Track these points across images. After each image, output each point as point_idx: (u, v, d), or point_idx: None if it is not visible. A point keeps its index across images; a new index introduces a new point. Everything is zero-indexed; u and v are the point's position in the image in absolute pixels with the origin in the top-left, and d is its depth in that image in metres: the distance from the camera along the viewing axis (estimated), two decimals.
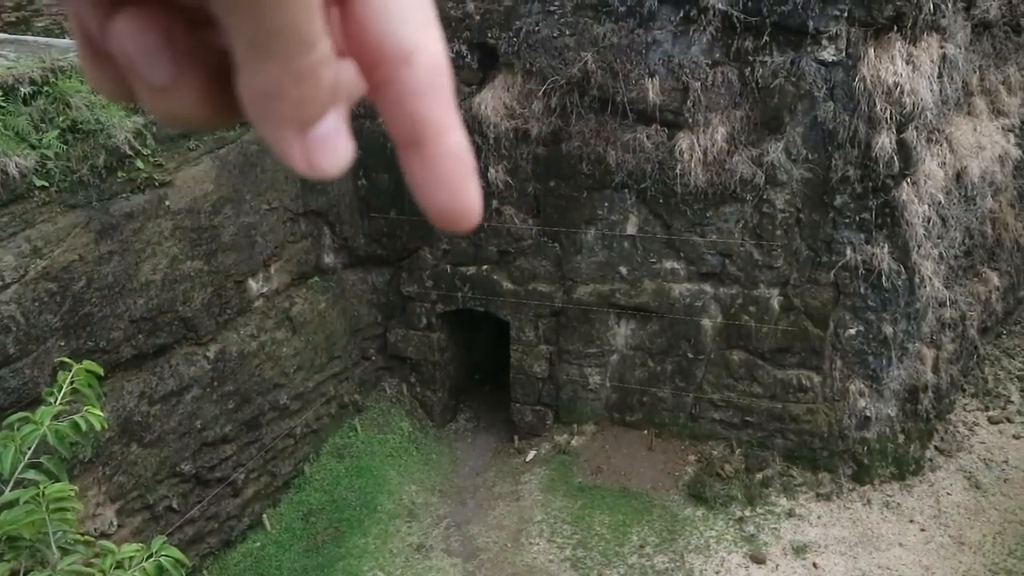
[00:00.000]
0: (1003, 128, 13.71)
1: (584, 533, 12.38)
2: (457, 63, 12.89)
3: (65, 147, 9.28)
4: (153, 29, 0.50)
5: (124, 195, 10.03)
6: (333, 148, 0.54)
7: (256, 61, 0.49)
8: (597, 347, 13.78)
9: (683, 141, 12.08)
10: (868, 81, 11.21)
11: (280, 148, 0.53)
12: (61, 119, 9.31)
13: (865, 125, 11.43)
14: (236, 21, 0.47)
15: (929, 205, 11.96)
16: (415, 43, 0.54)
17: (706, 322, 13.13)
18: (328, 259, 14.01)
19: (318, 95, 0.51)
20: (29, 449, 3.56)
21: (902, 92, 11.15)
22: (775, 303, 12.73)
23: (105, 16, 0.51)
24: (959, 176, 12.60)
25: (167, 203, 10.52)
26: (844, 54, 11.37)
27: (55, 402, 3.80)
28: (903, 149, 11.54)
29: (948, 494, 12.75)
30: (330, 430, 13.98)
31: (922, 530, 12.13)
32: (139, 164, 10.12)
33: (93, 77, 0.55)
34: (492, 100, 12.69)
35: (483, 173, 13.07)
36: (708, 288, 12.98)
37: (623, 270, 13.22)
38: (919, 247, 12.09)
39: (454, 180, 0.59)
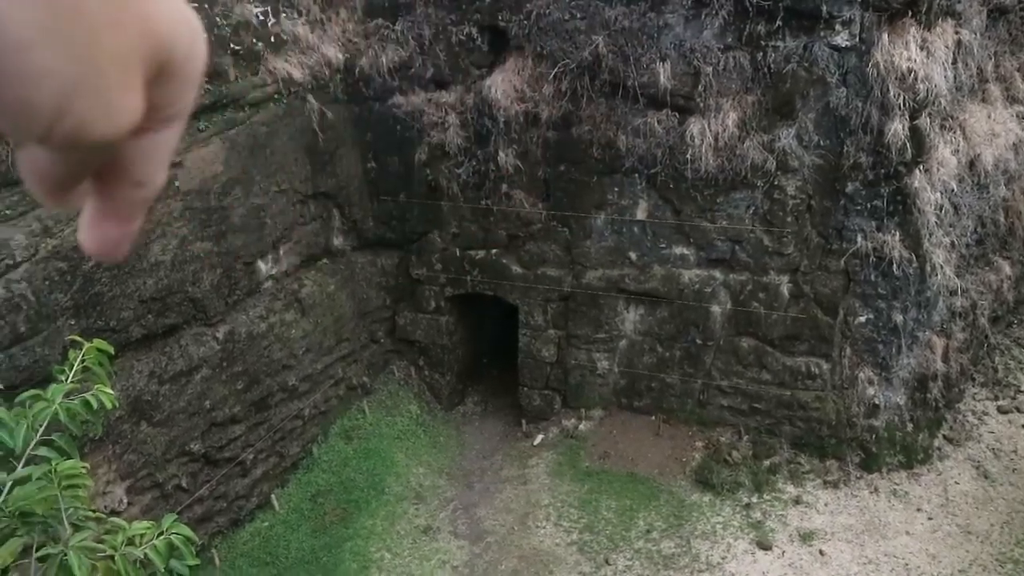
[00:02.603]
0: (1017, 115, 13.57)
1: (591, 517, 12.42)
2: (467, 46, 12.84)
3: None
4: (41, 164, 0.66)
5: None
6: (124, 243, 0.74)
7: (58, 167, 0.66)
8: (606, 332, 13.78)
9: (694, 126, 12.01)
10: (881, 67, 11.11)
11: (92, 229, 0.73)
12: None
13: (878, 111, 11.34)
14: (62, 155, 0.64)
15: (941, 193, 11.87)
16: (153, 179, 0.73)
17: (715, 308, 13.10)
18: (337, 241, 14.03)
19: (139, 209, 0.74)
20: (41, 426, 3.58)
21: (916, 78, 11.05)
22: (785, 290, 12.69)
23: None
24: (972, 164, 12.49)
25: (176, 184, 10.53)
26: (857, 39, 11.26)
27: (66, 380, 3.82)
28: (916, 136, 11.45)
29: (956, 483, 12.73)
30: (338, 412, 14.04)
31: (929, 519, 12.12)
32: None
33: None
34: (502, 83, 12.63)
35: (493, 157, 13.04)
36: (718, 274, 12.94)
37: (632, 255, 13.19)
38: (931, 235, 12.02)
39: (119, 219, 0.74)
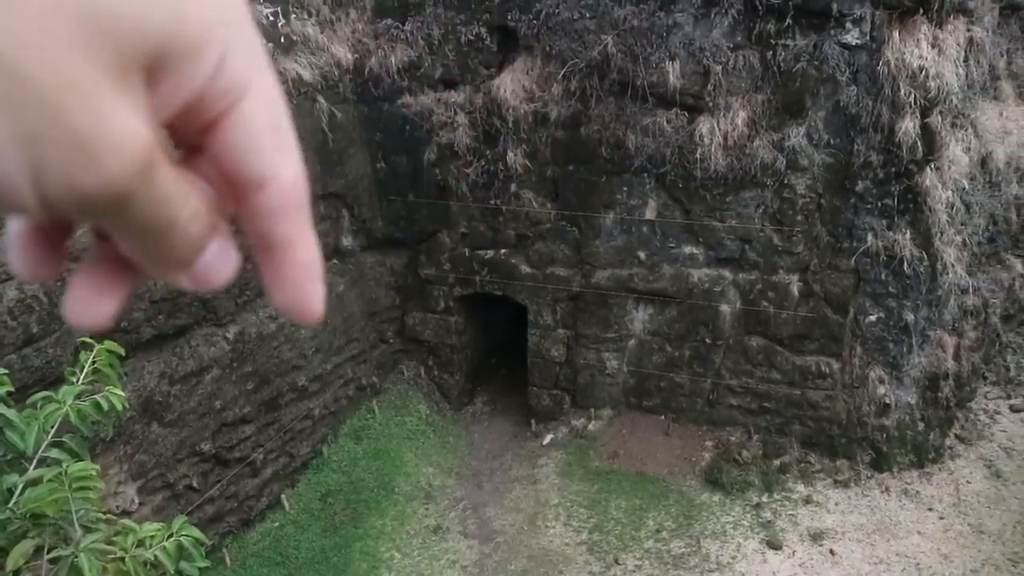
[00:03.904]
0: None
1: (600, 517, 12.41)
2: (476, 45, 12.84)
3: None
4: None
5: None
6: (217, 268, 0.60)
7: (132, 245, 0.53)
8: (615, 332, 13.76)
9: (703, 125, 11.99)
10: (892, 65, 11.06)
11: (166, 279, 0.58)
12: None
13: (888, 110, 11.28)
14: (109, 226, 0.51)
15: (953, 191, 11.81)
16: (268, 171, 0.57)
17: (724, 308, 13.07)
18: (346, 241, 14.05)
19: (196, 245, 0.56)
20: (52, 428, 3.60)
21: (927, 76, 10.99)
22: (794, 289, 12.64)
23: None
24: (984, 161, 12.43)
25: None
26: (868, 37, 11.21)
27: (77, 382, 3.84)
28: (927, 134, 11.39)
29: (968, 482, 12.66)
30: (348, 412, 14.06)
31: (941, 518, 12.06)
32: None
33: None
34: (511, 83, 12.63)
35: (502, 156, 13.04)
36: (727, 273, 12.91)
37: (641, 255, 13.17)
38: (942, 233, 11.96)
39: (297, 285, 0.62)
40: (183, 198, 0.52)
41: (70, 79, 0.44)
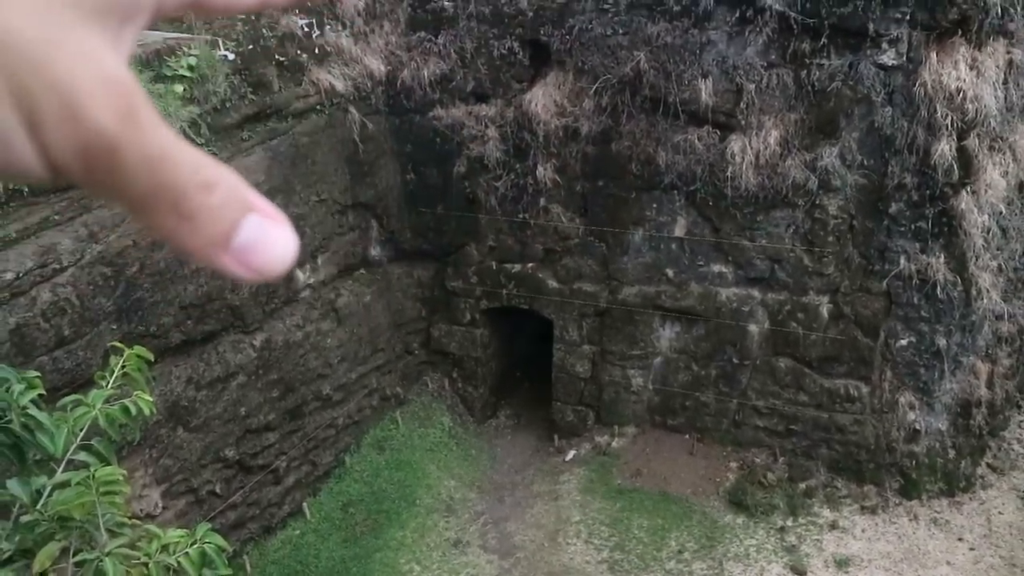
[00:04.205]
0: None
1: (622, 536, 12.29)
2: (509, 59, 12.87)
3: None
4: None
5: None
6: (268, 247, 0.54)
7: (145, 220, 0.51)
8: (641, 349, 13.67)
9: (735, 143, 11.91)
10: (929, 86, 10.92)
11: (214, 266, 0.54)
12: None
13: (924, 131, 11.14)
14: (107, 197, 0.49)
15: (989, 215, 11.62)
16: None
17: (753, 327, 12.93)
18: (375, 252, 14.10)
19: (218, 218, 0.52)
20: (81, 431, 3.62)
21: (964, 98, 10.84)
22: (824, 311, 12.49)
23: None
24: (1022, 186, 12.22)
25: None
26: (904, 58, 11.09)
27: (107, 385, 3.86)
28: (963, 157, 11.22)
29: (1000, 513, 12.39)
30: (371, 422, 14.07)
31: (971, 549, 11.80)
32: None
33: None
34: (543, 97, 12.64)
35: (532, 171, 13.04)
36: (756, 293, 12.78)
37: (670, 272, 13.09)
38: (977, 258, 11.76)
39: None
40: (186, 162, 0.50)
41: (48, 33, 0.45)
